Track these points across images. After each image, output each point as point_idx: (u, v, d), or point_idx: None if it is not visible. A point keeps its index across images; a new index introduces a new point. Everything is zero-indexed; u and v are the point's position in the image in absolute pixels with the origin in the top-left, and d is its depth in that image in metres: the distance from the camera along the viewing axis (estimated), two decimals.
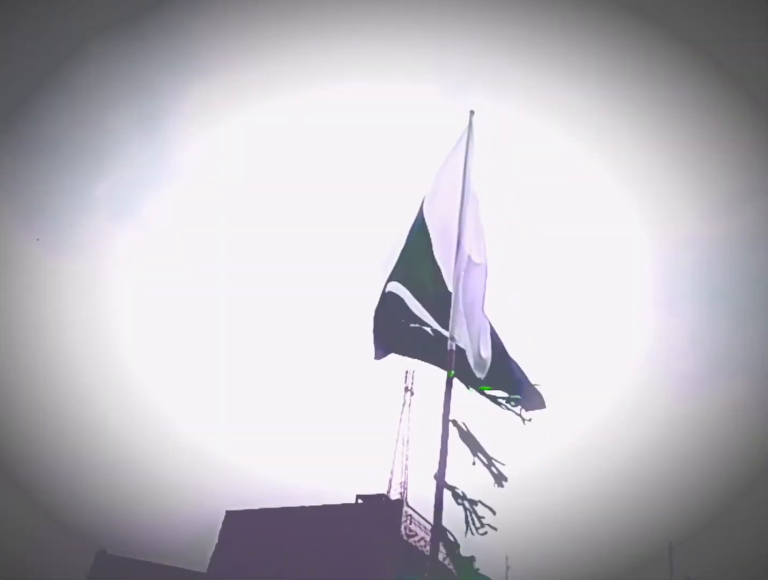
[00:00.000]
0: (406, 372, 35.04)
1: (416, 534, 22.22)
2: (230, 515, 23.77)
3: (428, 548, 21.87)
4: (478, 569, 3.87)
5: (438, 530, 3.71)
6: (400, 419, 33.59)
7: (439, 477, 3.72)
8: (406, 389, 34.58)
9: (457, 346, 3.82)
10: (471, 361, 4.13)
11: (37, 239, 52.74)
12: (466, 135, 4.33)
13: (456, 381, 3.92)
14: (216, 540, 23.64)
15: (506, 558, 28.43)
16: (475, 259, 4.13)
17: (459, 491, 3.73)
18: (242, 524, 23.19)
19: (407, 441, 32.84)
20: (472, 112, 4.49)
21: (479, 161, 4.33)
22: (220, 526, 23.92)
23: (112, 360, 68.99)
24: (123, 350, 71.85)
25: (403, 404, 34.10)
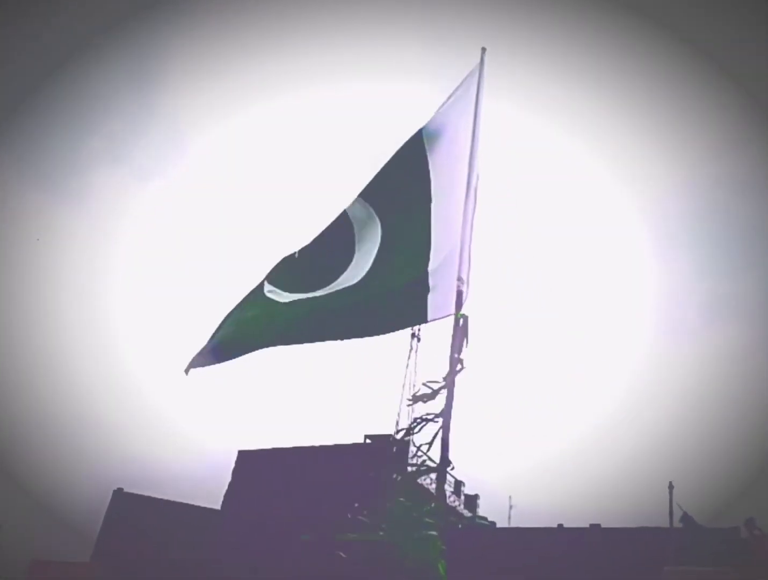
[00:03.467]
0: None
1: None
2: (242, 454, 24.39)
3: (434, 486, 22.38)
4: (477, 506, 4.00)
5: (444, 464, 3.83)
6: (407, 365, 34.09)
7: (446, 413, 3.82)
8: (413, 335, 35.01)
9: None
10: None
11: (37, 239, 52.60)
12: (476, 74, 4.22)
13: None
14: (229, 479, 24.34)
15: (509, 498, 29.29)
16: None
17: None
18: (254, 463, 23.83)
19: (414, 385, 33.41)
20: (484, 50, 4.34)
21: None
22: (233, 465, 24.59)
23: (111, 311, 69.64)
24: (119, 308, 72.36)
25: (410, 350, 34.55)
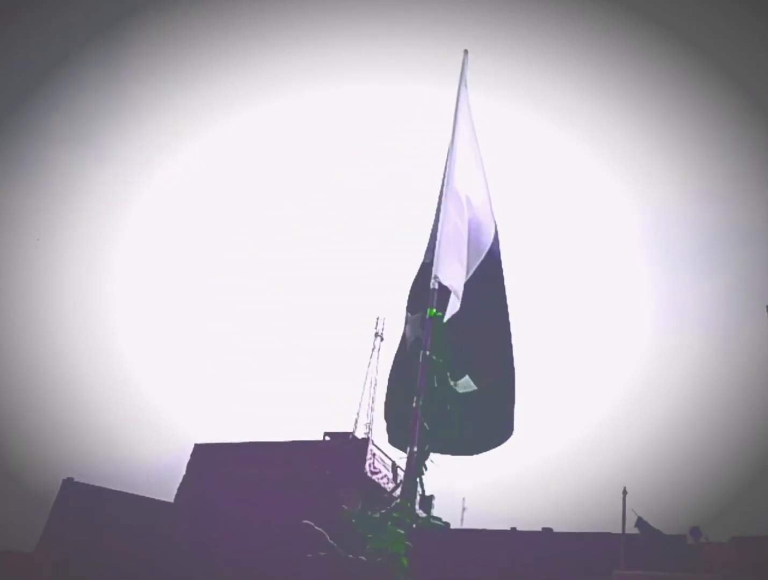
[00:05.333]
0: (377, 318, 35.64)
1: (380, 471, 22.88)
2: (199, 447, 24.14)
3: (390, 485, 22.49)
4: (432, 507, 4.09)
5: (414, 461, 3.86)
6: (369, 363, 34.20)
7: (417, 407, 3.87)
8: (376, 335, 35.17)
9: (440, 284, 3.92)
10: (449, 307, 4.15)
11: (37, 239, 51.22)
12: (459, 77, 4.29)
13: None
14: (184, 472, 24.06)
15: (463, 499, 29.58)
16: (471, 196, 4.17)
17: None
18: (210, 457, 23.62)
19: (375, 384, 33.54)
20: (465, 52, 4.42)
21: (474, 103, 4.30)
22: (188, 459, 24.31)
23: (73, 286, 68.15)
24: (98, 280, 70.98)
25: (373, 349, 34.70)
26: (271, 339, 71.73)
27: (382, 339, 36.29)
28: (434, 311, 3.98)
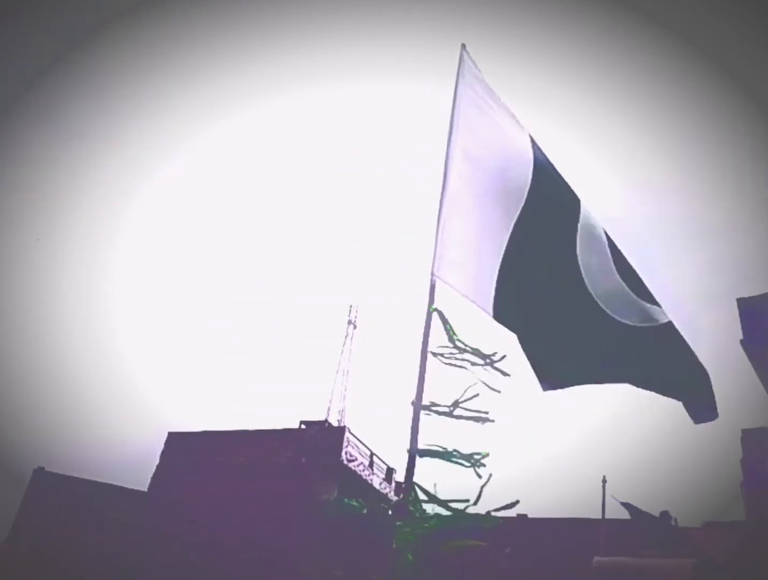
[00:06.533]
0: (350, 306, 35.64)
1: (356, 459, 22.95)
2: (172, 436, 23.89)
3: (366, 472, 22.36)
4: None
5: (413, 454, 3.86)
6: (342, 351, 34.20)
7: (417, 404, 3.87)
8: (349, 322, 35.15)
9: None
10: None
11: (37, 239, 49.93)
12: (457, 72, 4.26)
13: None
14: (157, 461, 23.82)
15: (434, 485, 29.79)
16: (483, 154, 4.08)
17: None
18: (184, 446, 23.39)
19: (347, 372, 33.56)
20: (463, 46, 4.39)
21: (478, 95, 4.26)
22: (161, 448, 24.06)
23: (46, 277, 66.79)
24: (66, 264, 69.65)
25: (346, 337, 34.71)
26: (253, 331, 71.50)
27: (355, 327, 36.31)
28: (434, 307, 3.98)
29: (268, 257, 79.99)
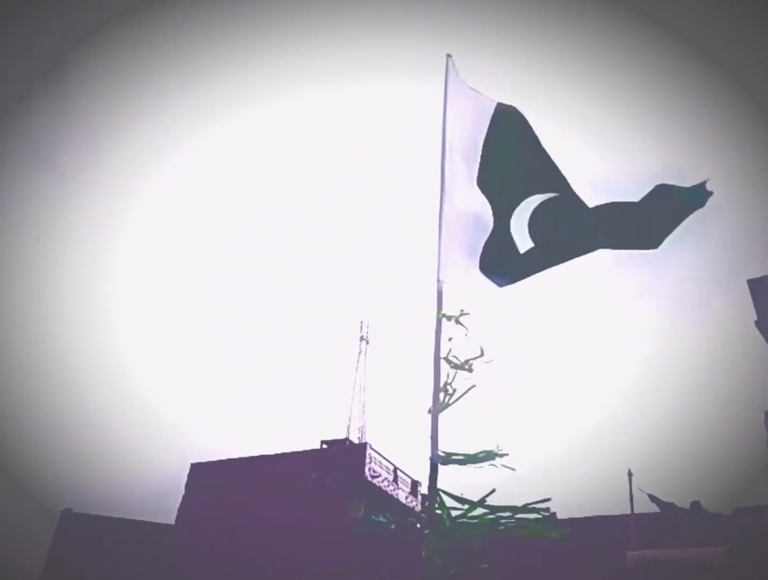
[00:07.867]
0: (361, 322, 35.70)
1: (379, 475, 22.87)
2: (195, 467, 23.91)
3: (390, 487, 22.22)
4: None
5: (434, 462, 3.88)
6: (356, 368, 34.18)
7: (434, 411, 3.89)
8: (362, 338, 35.15)
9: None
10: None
11: (37, 239, 50.55)
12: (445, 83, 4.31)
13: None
14: (182, 492, 23.83)
15: (461, 494, 29.53)
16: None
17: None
18: (207, 476, 23.40)
19: (364, 388, 33.52)
20: (449, 56, 4.44)
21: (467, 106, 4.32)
22: (185, 479, 24.07)
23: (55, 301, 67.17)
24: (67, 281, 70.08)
25: (359, 353, 34.70)
26: (264, 339, 71.46)
27: (367, 343, 36.29)
28: (442, 313, 4.02)
29: (268, 257, 79.93)
